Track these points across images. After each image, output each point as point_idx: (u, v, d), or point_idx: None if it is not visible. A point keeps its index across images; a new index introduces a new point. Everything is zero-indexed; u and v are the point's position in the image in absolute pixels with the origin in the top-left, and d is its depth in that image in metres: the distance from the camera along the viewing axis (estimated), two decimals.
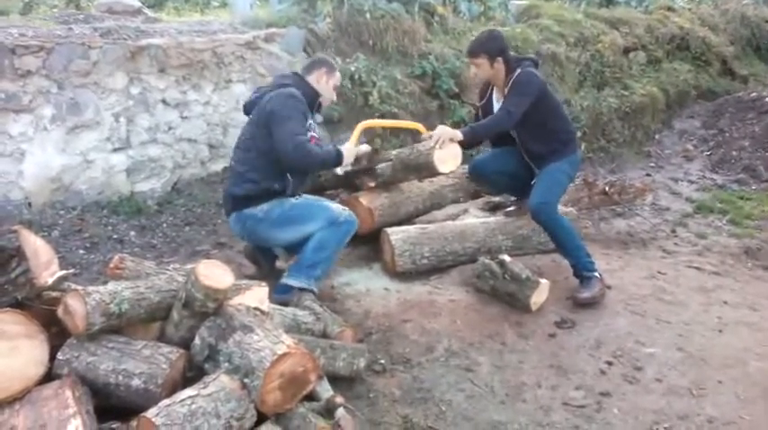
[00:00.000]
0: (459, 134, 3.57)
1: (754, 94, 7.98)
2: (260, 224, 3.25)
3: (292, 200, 3.30)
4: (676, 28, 8.59)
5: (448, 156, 3.60)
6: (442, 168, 3.62)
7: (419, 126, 3.91)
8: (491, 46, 3.67)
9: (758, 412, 2.71)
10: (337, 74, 3.55)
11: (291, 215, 3.24)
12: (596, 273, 3.59)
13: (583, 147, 6.35)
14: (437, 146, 3.55)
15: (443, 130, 3.59)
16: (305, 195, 3.46)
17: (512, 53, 3.82)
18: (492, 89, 3.84)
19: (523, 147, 3.83)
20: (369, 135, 4.76)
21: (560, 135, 3.75)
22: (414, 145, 3.86)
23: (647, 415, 2.69)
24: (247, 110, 3.45)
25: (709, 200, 5.51)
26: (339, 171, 3.63)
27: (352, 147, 3.52)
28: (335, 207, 3.34)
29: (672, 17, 8.90)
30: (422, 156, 3.65)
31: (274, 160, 3.20)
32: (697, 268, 4.15)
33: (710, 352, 3.15)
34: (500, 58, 3.65)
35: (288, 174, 3.27)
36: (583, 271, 3.58)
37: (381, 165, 3.82)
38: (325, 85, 3.45)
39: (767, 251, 4.47)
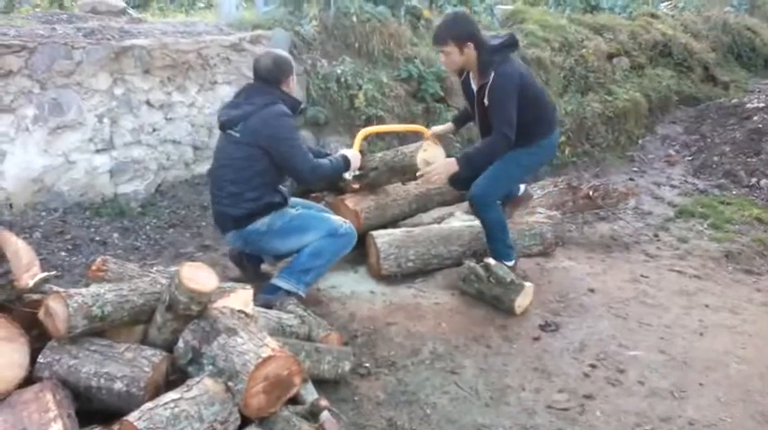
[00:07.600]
0: (455, 166, 3.39)
1: (735, 100, 8.11)
2: (263, 237, 3.25)
3: (292, 211, 3.32)
4: (659, 34, 8.71)
5: (432, 159, 3.62)
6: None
7: (421, 128, 3.88)
8: (459, 31, 3.31)
9: (738, 414, 2.74)
10: (294, 69, 3.35)
11: (293, 226, 3.26)
12: (511, 262, 3.63)
13: (567, 151, 6.42)
14: (422, 148, 3.54)
15: (439, 167, 3.41)
16: (297, 199, 3.48)
17: (484, 33, 3.46)
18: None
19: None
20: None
21: (530, 127, 3.47)
22: (399, 147, 3.87)
23: (630, 417, 2.71)
24: (225, 126, 3.24)
25: (691, 204, 5.58)
26: (347, 176, 3.64)
27: (357, 152, 3.54)
28: (336, 218, 3.37)
29: (655, 24, 9.03)
30: (406, 159, 3.66)
31: (272, 177, 3.21)
32: (679, 272, 4.20)
33: (692, 355, 3.18)
34: (470, 43, 3.32)
35: (282, 186, 3.32)
36: (499, 259, 3.58)
37: (369, 166, 3.83)
38: (293, 85, 3.36)
39: (747, 255, 4.54)
